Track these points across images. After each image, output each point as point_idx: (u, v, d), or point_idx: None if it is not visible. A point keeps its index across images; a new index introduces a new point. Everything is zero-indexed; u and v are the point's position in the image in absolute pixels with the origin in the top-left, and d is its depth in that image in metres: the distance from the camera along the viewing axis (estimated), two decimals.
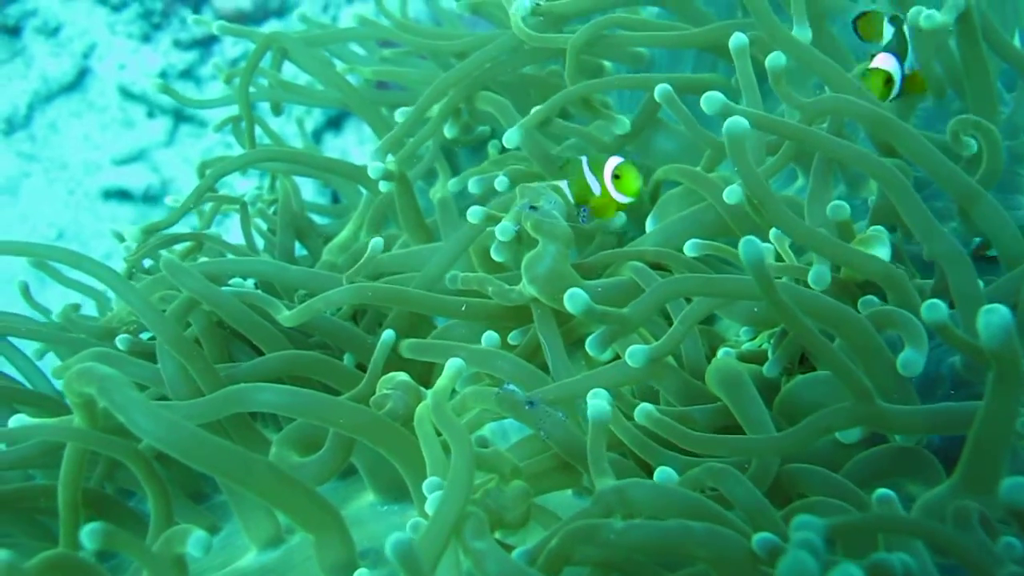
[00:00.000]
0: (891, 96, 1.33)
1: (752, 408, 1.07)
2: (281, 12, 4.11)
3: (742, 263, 0.94)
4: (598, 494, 0.96)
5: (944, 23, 1.25)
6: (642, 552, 0.92)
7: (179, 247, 1.61)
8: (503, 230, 1.25)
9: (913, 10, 1.27)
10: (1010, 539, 0.91)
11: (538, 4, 1.43)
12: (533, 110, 1.45)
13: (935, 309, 0.97)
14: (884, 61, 1.32)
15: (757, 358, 1.22)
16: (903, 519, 0.93)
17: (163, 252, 1.45)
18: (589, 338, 1.11)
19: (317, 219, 1.98)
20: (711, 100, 1.11)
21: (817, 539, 0.76)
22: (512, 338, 1.31)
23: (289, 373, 1.28)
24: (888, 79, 1.32)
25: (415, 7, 2.28)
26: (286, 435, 1.21)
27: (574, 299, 1.07)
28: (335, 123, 3.71)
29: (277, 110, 1.93)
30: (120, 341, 1.34)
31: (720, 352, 1.21)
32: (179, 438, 0.97)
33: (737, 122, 1.06)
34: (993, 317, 0.88)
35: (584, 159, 1.38)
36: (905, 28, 1.32)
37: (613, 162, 1.35)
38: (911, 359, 1.03)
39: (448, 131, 1.60)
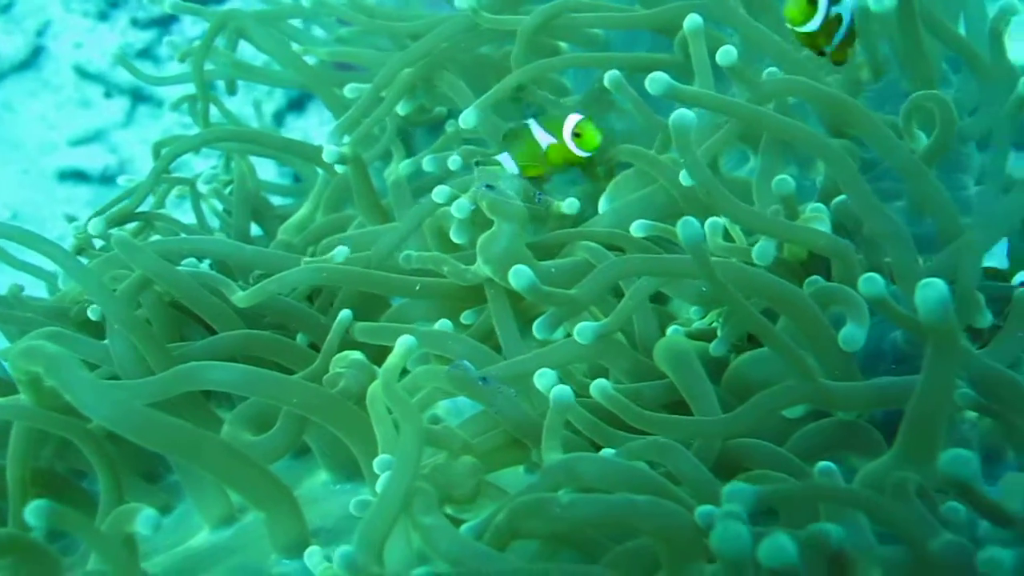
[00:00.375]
0: (814, 25, 1.25)
1: (697, 385, 1.09)
2: None
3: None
4: (545, 469, 0.97)
5: (891, 7, 1.27)
6: (588, 525, 0.94)
7: (130, 226, 1.59)
8: (459, 207, 1.26)
9: None
10: (954, 504, 0.94)
11: None
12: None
13: (872, 283, 1.00)
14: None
15: (707, 336, 1.24)
16: (838, 489, 0.96)
17: (114, 230, 1.43)
18: (537, 320, 1.12)
19: (278, 199, 1.97)
20: (656, 81, 1.12)
21: (741, 509, 0.78)
22: (466, 318, 1.31)
23: (243, 353, 1.28)
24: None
25: None
26: (238, 413, 1.21)
27: (518, 275, 1.08)
28: (298, 104, 3.68)
29: (231, 88, 1.91)
30: (74, 316, 1.33)
31: (669, 330, 1.22)
32: (128, 417, 0.97)
33: (682, 115, 1.08)
34: (930, 291, 0.91)
35: (532, 122, 1.38)
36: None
37: (573, 119, 1.36)
38: (852, 335, 1.05)
39: (402, 108, 1.60)
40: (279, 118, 3.79)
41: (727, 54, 1.21)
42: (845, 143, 1.31)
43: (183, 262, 1.39)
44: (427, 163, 1.51)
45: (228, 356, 1.26)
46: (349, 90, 1.62)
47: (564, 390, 1.03)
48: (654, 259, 1.16)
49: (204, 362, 1.14)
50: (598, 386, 1.06)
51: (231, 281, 1.29)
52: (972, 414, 1.13)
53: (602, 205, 1.39)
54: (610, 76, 1.32)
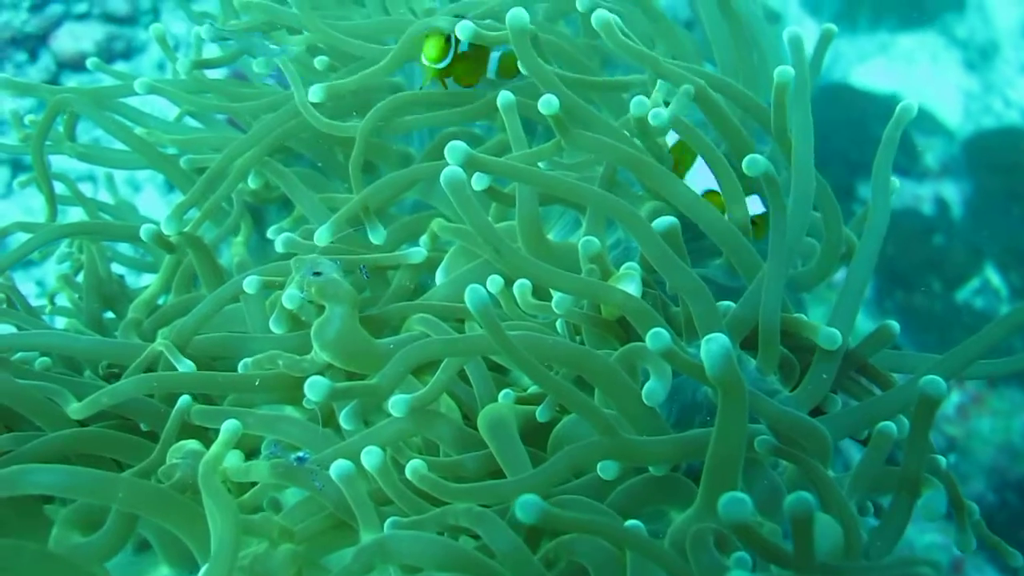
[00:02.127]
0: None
1: (510, 451, 1.12)
2: (128, 54, 4.01)
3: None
4: (358, 549, 0.99)
5: (666, 122, 1.32)
6: None
7: None
8: (290, 298, 1.27)
9: (636, 103, 1.33)
10: (741, 554, 0.99)
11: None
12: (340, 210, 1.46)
13: (658, 337, 1.05)
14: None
15: (539, 401, 1.28)
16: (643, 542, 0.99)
17: None
18: (342, 412, 1.13)
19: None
20: (454, 150, 1.15)
21: None
22: (308, 403, 1.33)
23: (76, 451, 1.27)
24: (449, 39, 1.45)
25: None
26: (68, 514, 1.20)
27: (314, 387, 1.09)
28: None
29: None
30: None
31: (500, 395, 1.26)
32: None
33: (453, 172, 1.11)
34: (712, 345, 0.97)
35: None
36: None
37: None
38: (652, 389, 1.11)
39: (252, 182, 1.62)
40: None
41: (548, 104, 1.26)
42: (657, 204, 1.38)
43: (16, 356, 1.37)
44: (280, 243, 1.51)
45: (61, 456, 1.24)
46: (185, 162, 1.63)
47: (345, 464, 1.06)
48: (455, 339, 1.19)
49: (25, 465, 1.13)
50: (411, 467, 1.08)
51: (64, 389, 1.27)
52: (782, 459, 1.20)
53: (438, 277, 1.43)
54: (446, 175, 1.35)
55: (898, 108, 1.34)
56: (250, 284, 1.32)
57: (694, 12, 1.31)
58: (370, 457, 1.11)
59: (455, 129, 1.58)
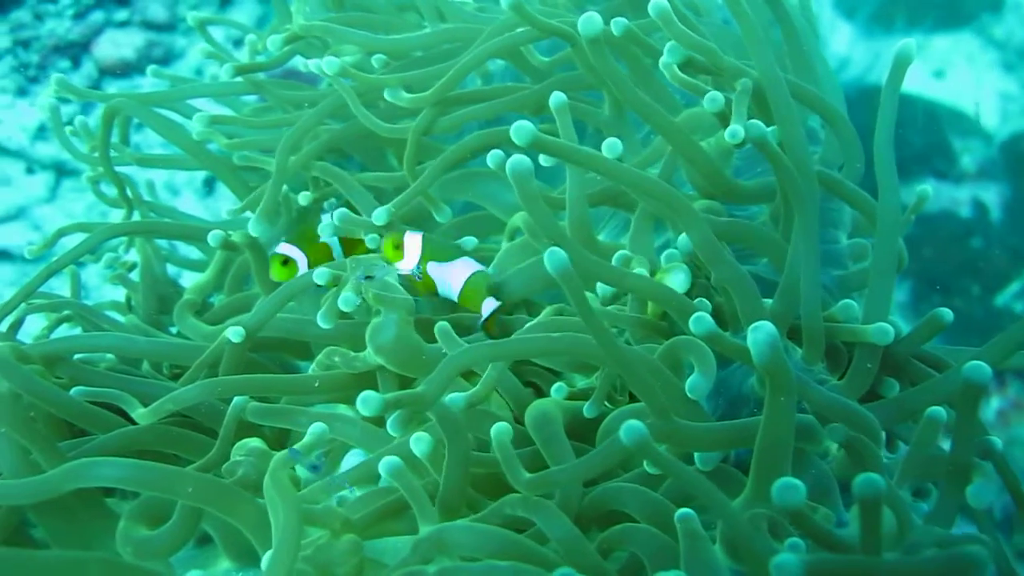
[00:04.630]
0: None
1: (556, 445, 1.13)
2: (166, 60, 4.07)
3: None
4: (416, 542, 1.01)
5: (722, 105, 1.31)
6: None
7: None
8: (346, 301, 1.29)
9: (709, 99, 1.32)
10: (795, 539, 0.99)
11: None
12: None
13: (700, 321, 1.06)
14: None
15: (588, 396, 1.29)
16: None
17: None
18: (389, 420, 1.14)
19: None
20: (521, 129, 1.13)
21: None
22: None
23: (139, 448, 1.30)
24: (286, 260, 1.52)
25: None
26: (134, 508, 1.22)
27: (367, 403, 1.08)
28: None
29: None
30: None
31: (553, 390, 1.27)
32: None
33: (519, 161, 1.11)
34: (759, 334, 0.97)
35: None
36: None
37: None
38: (696, 383, 1.11)
39: (303, 200, 1.64)
40: (209, 184, 3.81)
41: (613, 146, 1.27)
42: (709, 203, 1.38)
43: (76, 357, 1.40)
44: (337, 217, 1.51)
45: (123, 453, 1.27)
46: (239, 159, 1.66)
47: (394, 461, 1.07)
48: (499, 345, 1.19)
49: (92, 459, 1.15)
50: (497, 429, 1.09)
51: (129, 396, 1.29)
52: (833, 447, 1.19)
53: None
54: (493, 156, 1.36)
55: (896, 49, 1.30)
56: (320, 276, 1.35)
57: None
58: (420, 444, 1.12)
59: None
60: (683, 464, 0.98)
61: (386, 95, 1.50)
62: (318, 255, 1.53)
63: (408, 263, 1.37)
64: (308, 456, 1.12)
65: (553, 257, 1.00)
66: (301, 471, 1.14)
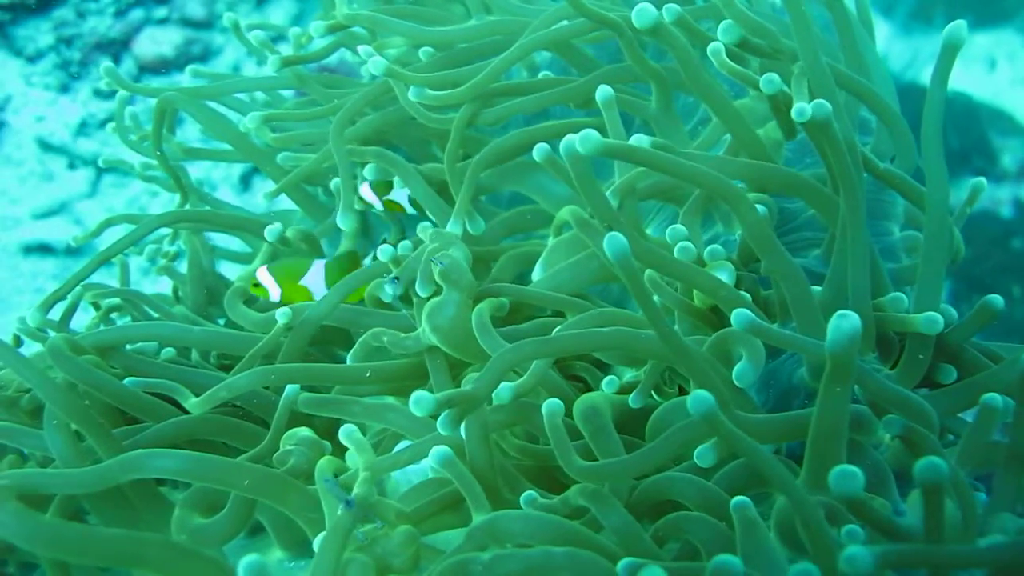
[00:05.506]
0: None
1: (604, 439, 1.13)
2: (204, 57, 4.11)
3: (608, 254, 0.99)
4: (470, 530, 1.01)
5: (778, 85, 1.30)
6: None
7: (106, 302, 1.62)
8: (380, 288, 1.30)
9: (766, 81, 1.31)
10: (853, 527, 0.97)
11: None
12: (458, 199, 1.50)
13: (741, 316, 1.05)
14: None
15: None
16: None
17: (50, 333, 1.46)
18: (439, 419, 1.14)
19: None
20: (587, 139, 1.10)
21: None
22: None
23: (191, 437, 1.31)
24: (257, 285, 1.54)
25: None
26: (188, 497, 1.23)
27: (420, 403, 1.07)
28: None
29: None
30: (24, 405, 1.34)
31: (604, 383, 1.26)
32: (60, 541, 1.00)
33: (573, 144, 1.09)
34: (843, 322, 0.95)
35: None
36: None
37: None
38: (743, 371, 1.10)
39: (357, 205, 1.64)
40: (246, 181, 3.85)
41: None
42: (762, 196, 1.37)
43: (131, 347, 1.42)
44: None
45: (176, 442, 1.28)
46: (282, 160, 1.67)
47: (444, 450, 1.07)
48: (545, 341, 1.17)
49: (149, 450, 1.17)
50: (548, 405, 1.09)
51: (181, 387, 1.30)
52: (886, 437, 1.17)
53: (537, 271, 1.44)
54: (540, 150, 1.35)
55: (945, 33, 1.26)
56: (383, 252, 1.38)
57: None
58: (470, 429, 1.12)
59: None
60: (752, 440, 0.96)
61: (411, 94, 1.50)
62: (293, 294, 1.54)
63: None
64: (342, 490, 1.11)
65: (612, 242, 0.99)
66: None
